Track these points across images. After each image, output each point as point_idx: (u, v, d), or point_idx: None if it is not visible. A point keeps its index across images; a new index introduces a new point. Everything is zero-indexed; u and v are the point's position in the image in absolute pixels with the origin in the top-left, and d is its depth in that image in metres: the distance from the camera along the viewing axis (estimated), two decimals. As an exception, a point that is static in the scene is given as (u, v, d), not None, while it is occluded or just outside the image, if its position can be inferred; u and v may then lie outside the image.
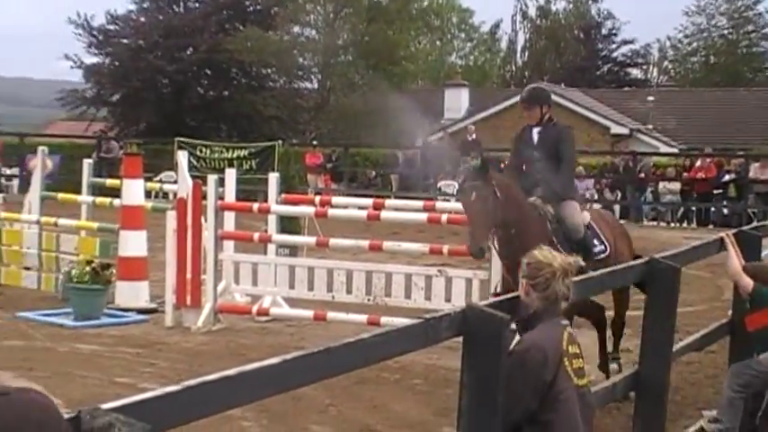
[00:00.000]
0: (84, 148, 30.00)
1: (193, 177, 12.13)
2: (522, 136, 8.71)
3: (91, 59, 39.84)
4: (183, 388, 2.51)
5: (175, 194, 12.10)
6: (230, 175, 12.49)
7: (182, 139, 29.45)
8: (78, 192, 14.40)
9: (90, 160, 15.39)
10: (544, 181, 8.33)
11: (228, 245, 11.80)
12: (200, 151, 29.36)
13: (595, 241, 8.33)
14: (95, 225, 13.01)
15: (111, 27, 40.23)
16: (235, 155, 29.20)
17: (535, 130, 8.57)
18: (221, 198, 11.65)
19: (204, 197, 11.34)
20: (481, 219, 7.67)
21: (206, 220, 11.33)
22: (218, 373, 2.80)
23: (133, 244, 12.19)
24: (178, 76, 38.14)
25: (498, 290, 8.25)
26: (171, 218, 11.47)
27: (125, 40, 39.78)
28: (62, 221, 13.21)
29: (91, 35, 39.55)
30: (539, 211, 8.16)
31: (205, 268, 11.26)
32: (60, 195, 14.36)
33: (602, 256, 8.19)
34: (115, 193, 13.36)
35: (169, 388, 2.54)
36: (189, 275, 11.24)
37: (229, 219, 12.08)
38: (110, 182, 15.11)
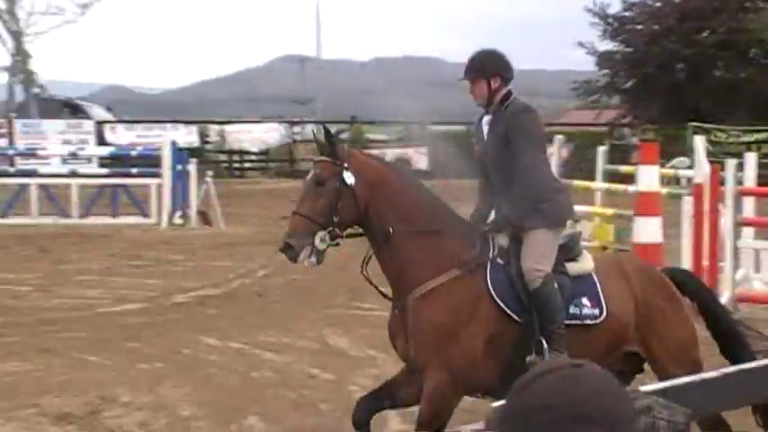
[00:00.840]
0: (594, 136, 30.47)
1: (708, 162, 11.86)
2: (477, 129, 6.04)
3: (604, 47, 40.40)
4: (720, 375, 2.42)
5: (689, 180, 11.89)
6: (750, 158, 12.09)
7: (695, 123, 28.98)
8: (590, 178, 14.63)
9: (604, 147, 15.59)
10: (497, 199, 5.81)
11: (748, 231, 11.40)
12: (715, 136, 28.76)
13: (585, 300, 5.71)
14: (610, 211, 13.14)
15: (627, 14, 40.48)
16: (753, 138, 28.23)
17: (485, 119, 5.90)
18: (740, 183, 11.28)
19: (722, 182, 11.03)
20: (304, 206, 5.46)
21: (724, 206, 11.02)
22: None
23: (648, 230, 12.14)
24: (694, 60, 37.49)
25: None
26: (687, 204, 11.31)
27: (639, 26, 39.83)
28: (577, 208, 13.44)
29: (606, 23, 40.09)
30: (470, 226, 5.74)
31: (723, 255, 10.96)
32: (574, 182, 14.68)
33: (589, 322, 5.68)
34: (628, 179, 13.39)
35: (707, 374, 2.47)
36: (705, 262, 10.99)
37: (749, 204, 11.65)
38: (624, 168, 15.19)
